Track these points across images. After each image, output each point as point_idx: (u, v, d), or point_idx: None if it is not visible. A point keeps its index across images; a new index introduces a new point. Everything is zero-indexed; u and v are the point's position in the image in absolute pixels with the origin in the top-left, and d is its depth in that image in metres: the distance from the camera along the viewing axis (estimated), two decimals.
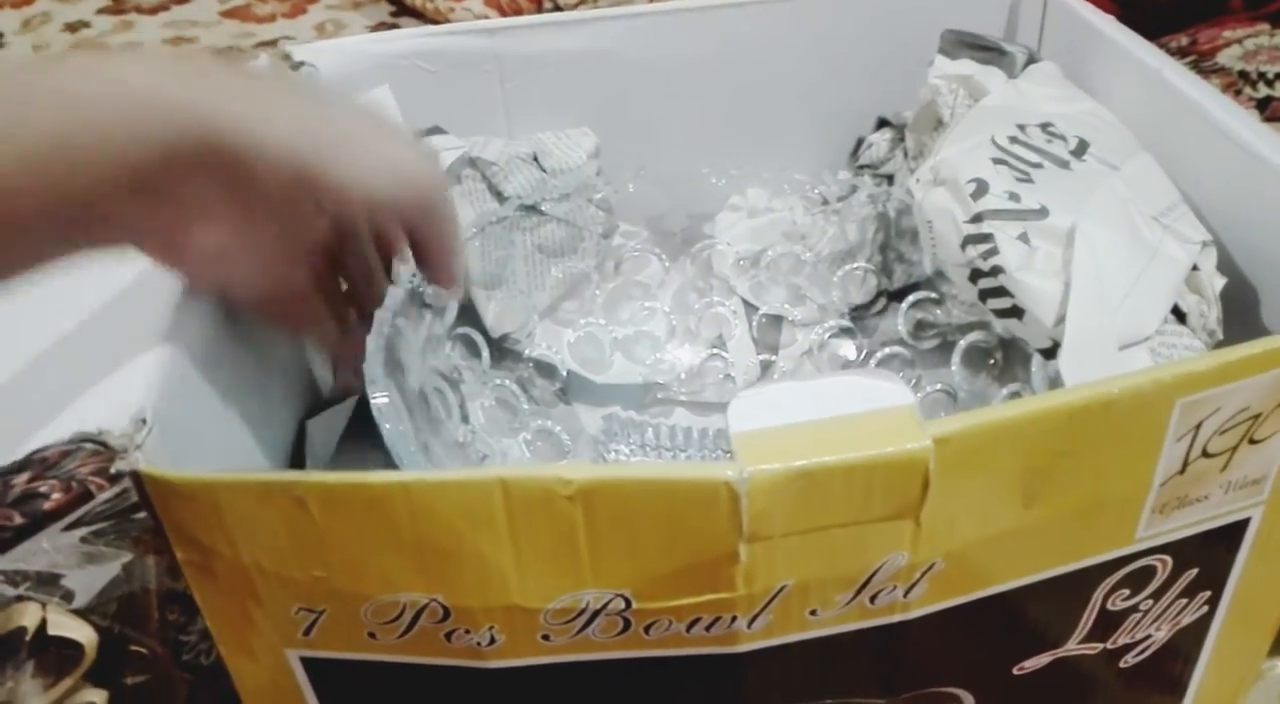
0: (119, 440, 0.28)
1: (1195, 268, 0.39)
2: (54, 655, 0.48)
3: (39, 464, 0.55)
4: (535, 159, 0.54)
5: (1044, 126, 0.44)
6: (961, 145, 0.44)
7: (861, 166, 0.58)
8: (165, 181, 0.28)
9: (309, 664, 0.31)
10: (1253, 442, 0.30)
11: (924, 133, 0.53)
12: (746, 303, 0.55)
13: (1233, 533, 0.32)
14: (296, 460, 0.46)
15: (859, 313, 0.54)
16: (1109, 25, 0.51)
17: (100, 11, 1.32)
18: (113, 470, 0.27)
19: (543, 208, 0.52)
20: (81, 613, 0.50)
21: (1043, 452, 0.27)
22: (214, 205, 0.29)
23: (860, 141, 0.59)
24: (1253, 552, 0.33)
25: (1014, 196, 0.40)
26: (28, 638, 0.48)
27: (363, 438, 0.50)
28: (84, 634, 0.49)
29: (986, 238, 0.39)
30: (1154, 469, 0.29)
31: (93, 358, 0.35)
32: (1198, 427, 0.29)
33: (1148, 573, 0.31)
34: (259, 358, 0.43)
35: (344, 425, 0.49)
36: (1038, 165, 0.42)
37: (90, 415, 0.31)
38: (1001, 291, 0.39)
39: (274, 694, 0.32)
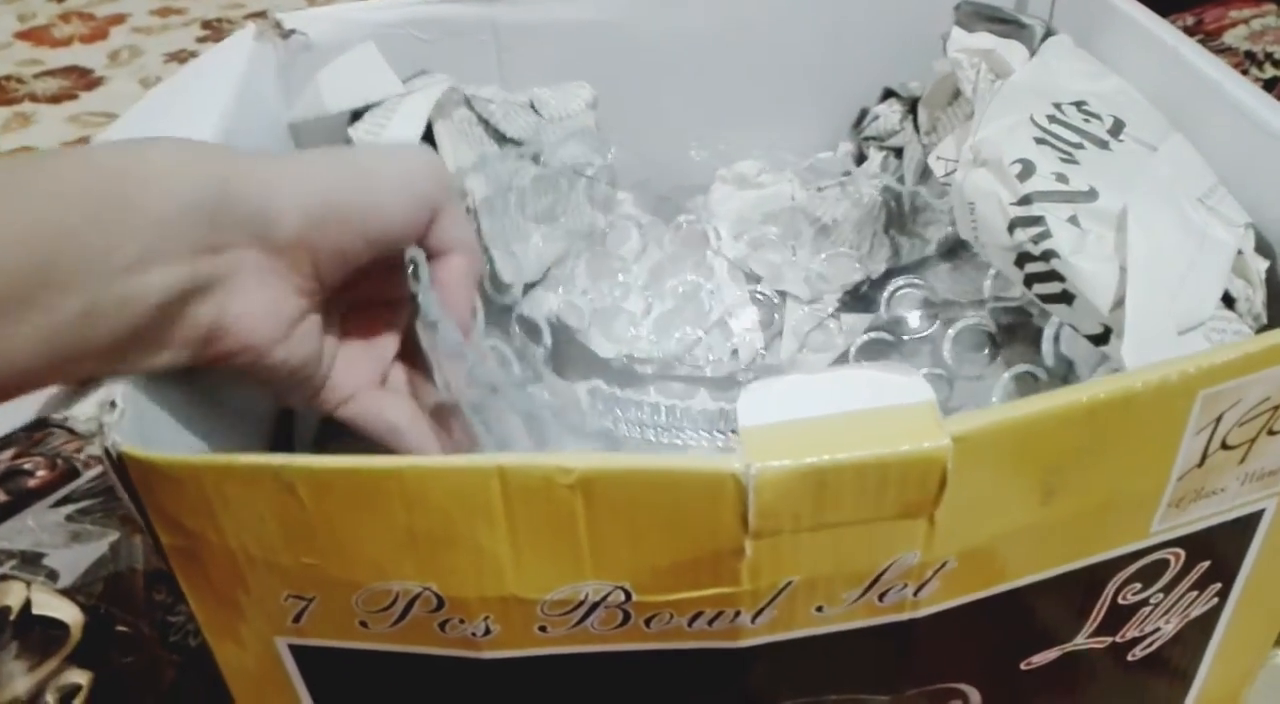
0: (85, 425, 0.27)
1: (1239, 251, 0.38)
2: (38, 635, 0.47)
3: (24, 441, 0.54)
4: (532, 106, 0.53)
5: (1079, 105, 0.43)
6: (999, 124, 0.42)
7: (867, 138, 0.56)
8: (203, 243, 0.27)
9: (298, 652, 0.30)
10: (1272, 433, 0.29)
11: (938, 107, 0.52)
12: (745, 277, 0.54)
13: (1247, 524, 0.32)
14: (279, 436, 0.45)
15: (859, 290, 0.53)
16: (1123, 0, 0.50)
17: None
18: (83, 456, 0.26)
19: (543, 156, 0.51)
20: (67, 592, 0.49)
21: (1063, 448, 0.27)
22: (250, 277, 0.29)
23: (864, 113, 0.57)
24: (1266, 542, 0.32)
25: (1062, 178, 0.39)
26: (12, 617, 0.47)
27: None
28: (69, 614, 0.48)
29: (1037, 220, 0.38)
30: (1173, 462, 0.28)
31: None
32: (1218, 419, 0.28)
33: (1160, 566, 0.31)
34: None
35: None
36: (1079, 145, 0.41)
37: (58, 394, 0.29)
38: (1051, 276, 0.38)
39: (262, 682, 0.31)
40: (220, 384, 0.38)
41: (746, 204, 0.56)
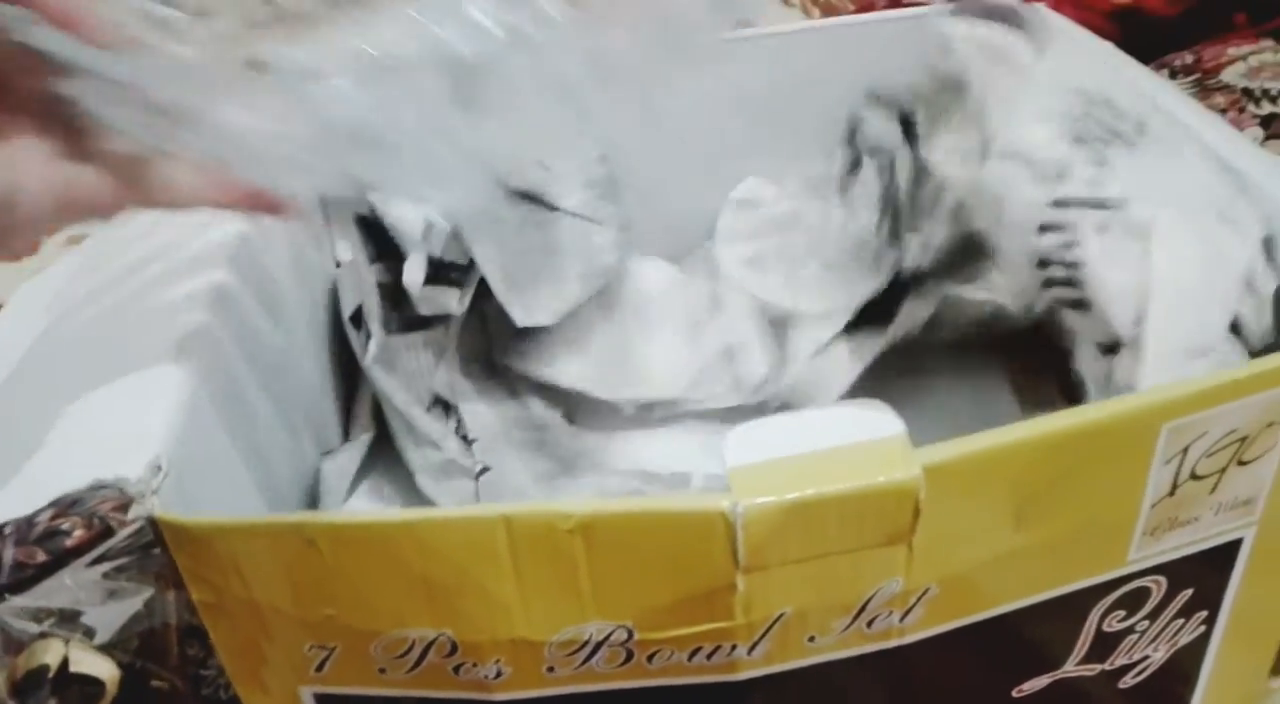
0: (136, 487, 0.29)
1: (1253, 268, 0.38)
2: (76, 693, 0.48)
3: (61, 501, 0.56)
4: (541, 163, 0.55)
5: (1108, 102, 0.43)
6: (1032, 113, 0.42)
7: (858, 148, 0.55)
8: None
9: (322, 700, 0.31)
10: (1241, 463, 0.31)
11: (937, 106, 0.51)
12: (757, 301, 0.54)
13: (1225, 553, 0.33)
14: (316, 495, 0.47)
15: (871, 304, 0.52)
16: (1102, 50, 0.52)
17: None
18: (129, 517, 0.29)
19: (557, 203, 0.52)
20: (103, 649, 0.51)
21: (1033, 477, 0.28)
22: None
23: (854, 120, 0.57)
24: (1247, 571, 0.33)
25: (1094, 183, 0.39)
26: (50, 675, 0.49)
27: (379, 474, 0.51)
28: (106, 670, 0.50)
29: (1069, 227, 0.38)
30: (1143, 492, 0.29)
31: (111, 399, 0.36)
32: (1185, 450, 0.29)
33: (1142, 594, 0.32)
34: (278, 395, 0.44)
35: (359, 463, 0.50)
36: (1108, 142, 0.41)
37: (108, 458, 0.32)
38: (1072, 283, 0.38)
39: None
40: (264, 440, 0.41)
41: (751, 226, 0.56)
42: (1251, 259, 0.38)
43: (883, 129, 0.55)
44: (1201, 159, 0.42)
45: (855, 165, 0.56)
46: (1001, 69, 0.47)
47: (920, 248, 0.50)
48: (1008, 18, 0.50)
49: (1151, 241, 0.37)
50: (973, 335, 0.49)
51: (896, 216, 0.52)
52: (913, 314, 0.50)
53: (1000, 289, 0.48)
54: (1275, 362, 0.29)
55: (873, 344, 0.51)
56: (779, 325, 0.54)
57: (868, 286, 0.52)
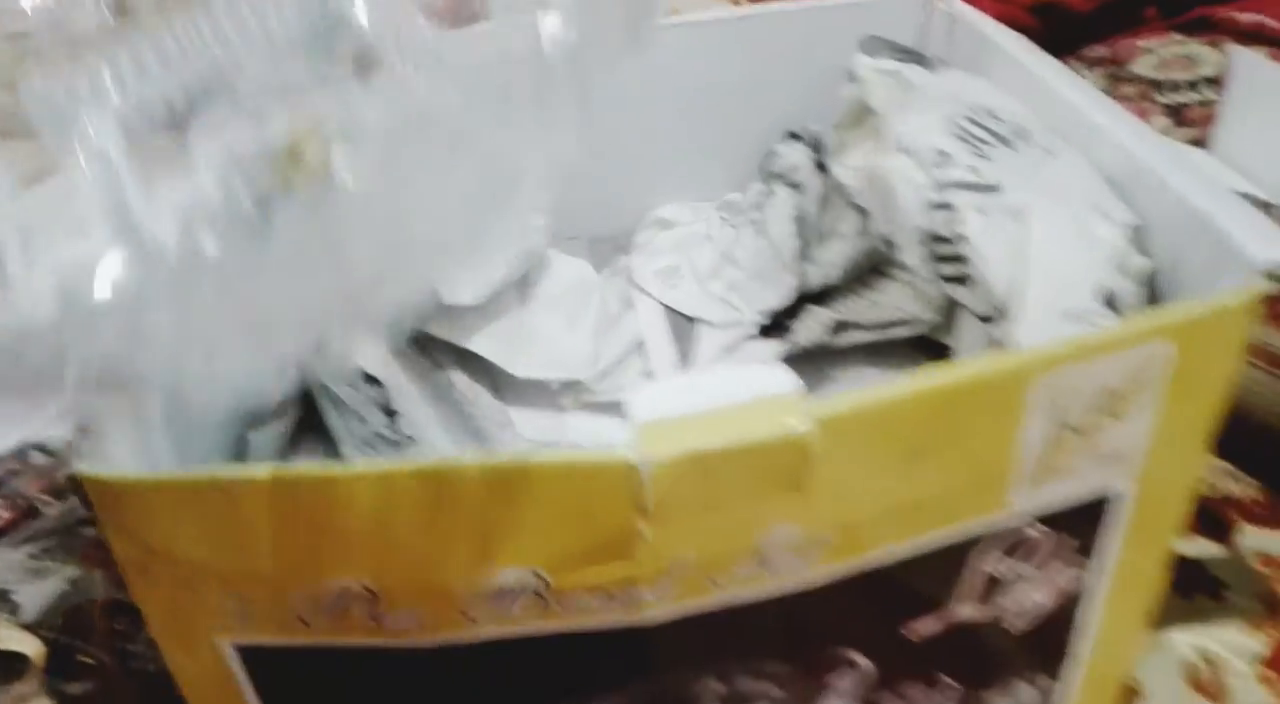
0: (63, 447, 0.30)
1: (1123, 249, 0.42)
2: (1, 668, 0.49)
3: None
4: None
5: (990, 112, 0.48)
6: (922, 119, 0.47)
7: (771, 175, 0.60)
8: None
9: (243, 652, 0.32)
10: (1115, 418, 0.33)
11: (847, 130, 0.56)
12: (667, 309, 0.57)
13: (1103, 506, 0.35)
14: (240, 448, 0.48)
15: (777, 316, 0.56)
16: (1010, 41, 0.54)
17: None
18: (59, 474, 0.29)
19: None
20: (29, 627, 0.51)
21: (919, 429, 0.30)
22: None
23: (770, 153, 0.61)
24: (1125, 524, 0.36)
25: (974, 170, 0.44)
26: None
27: (307, 447, 0.52)
28: (31, 647, 0.50)
29: (950, 206, 0.43)
30: (1021, 444, 0.32)
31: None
32: (1060, 404, 0.31)
33: (1024, 540, 0.34)
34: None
35: (286, 435, 0.51)
36: (989, 143, 0.46)
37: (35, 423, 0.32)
38: (957, 258, 0.43)
39: (211, 684, 0.33)
40: (188, 415, 0.41)
41: (670, 242, 0.59)
42: (1121, 243, 0.42)
43: (796, 158, 0.59)
44: (1077, 161, 0.46)
45: (770, 193, 0.60)
46: (903, 94, 0.52)
47: (827, 265, 0.55)
48: (910, 54, 0.55)
49: (1027, 221, 0.41)
50: (881, 343, 0.53)
51: (806, 234, 0.56)
52: (817, 321, 0.53)
53: (901, 294, 0.53)
54: (1142, 322, 0.31)
55: (779, 348, 0.55)
56: (687, 329, 0.56)
57: (775, 299, 0.56)
